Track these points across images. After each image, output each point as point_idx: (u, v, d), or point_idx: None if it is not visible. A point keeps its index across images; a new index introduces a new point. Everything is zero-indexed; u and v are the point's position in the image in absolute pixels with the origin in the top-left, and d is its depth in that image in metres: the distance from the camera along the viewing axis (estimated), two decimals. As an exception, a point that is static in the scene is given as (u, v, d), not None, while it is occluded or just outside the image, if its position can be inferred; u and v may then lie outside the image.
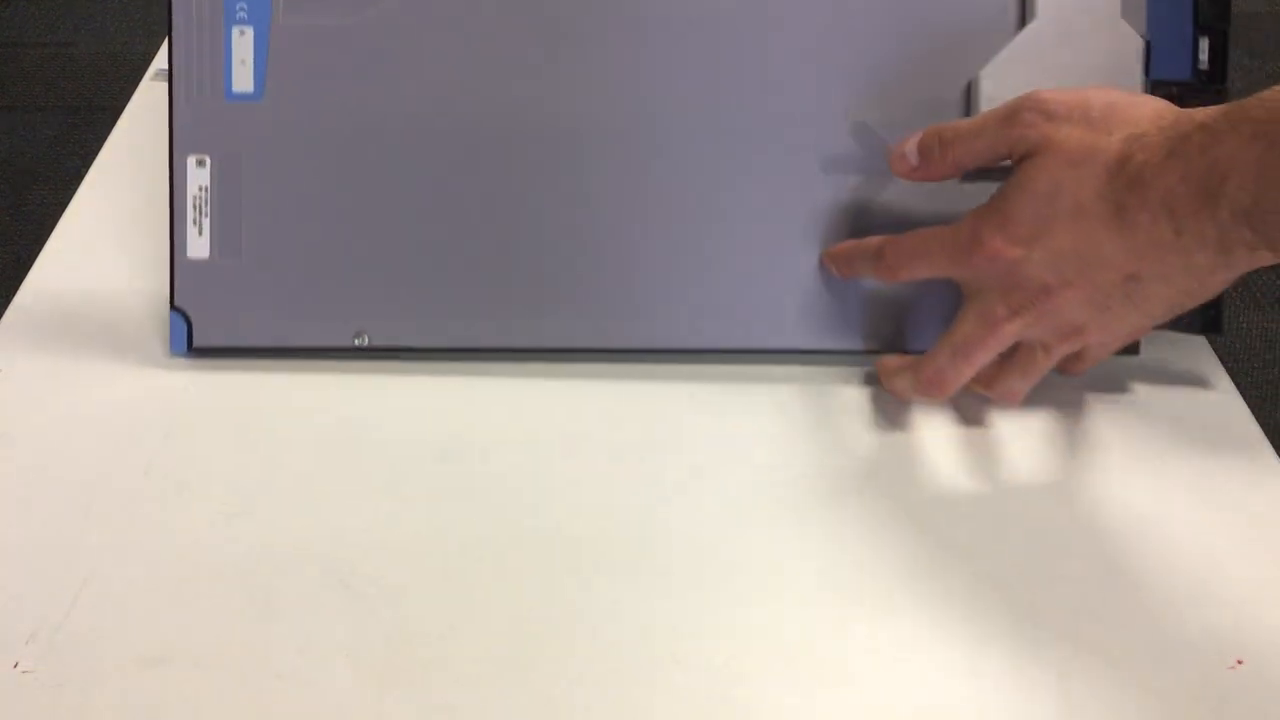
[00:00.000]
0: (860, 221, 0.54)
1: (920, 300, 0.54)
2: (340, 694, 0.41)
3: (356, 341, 0.54)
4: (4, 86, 2.06)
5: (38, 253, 0.60)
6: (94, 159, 0.67)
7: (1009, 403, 0.51)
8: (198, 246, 0.54)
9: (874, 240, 0.52)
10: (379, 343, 0.54)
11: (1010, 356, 0.50)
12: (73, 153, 1.89)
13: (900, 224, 0.53)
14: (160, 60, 0.75)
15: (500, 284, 0.54)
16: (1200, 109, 0.43)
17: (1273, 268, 0.44)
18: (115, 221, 0.62)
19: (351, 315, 0.54)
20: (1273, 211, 0.40)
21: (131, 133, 0.69)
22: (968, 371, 0.49)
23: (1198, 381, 0.54)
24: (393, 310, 0.54)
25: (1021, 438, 0.51)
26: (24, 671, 0.41)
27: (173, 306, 0.54)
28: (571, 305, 0.54)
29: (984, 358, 0.49)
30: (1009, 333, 0.48)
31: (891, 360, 0.53)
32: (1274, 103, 0.40)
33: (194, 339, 0.54)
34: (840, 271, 0.54)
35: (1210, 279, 0.45)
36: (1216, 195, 0.41)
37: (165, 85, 0.55)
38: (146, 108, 0.71)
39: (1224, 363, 0.55)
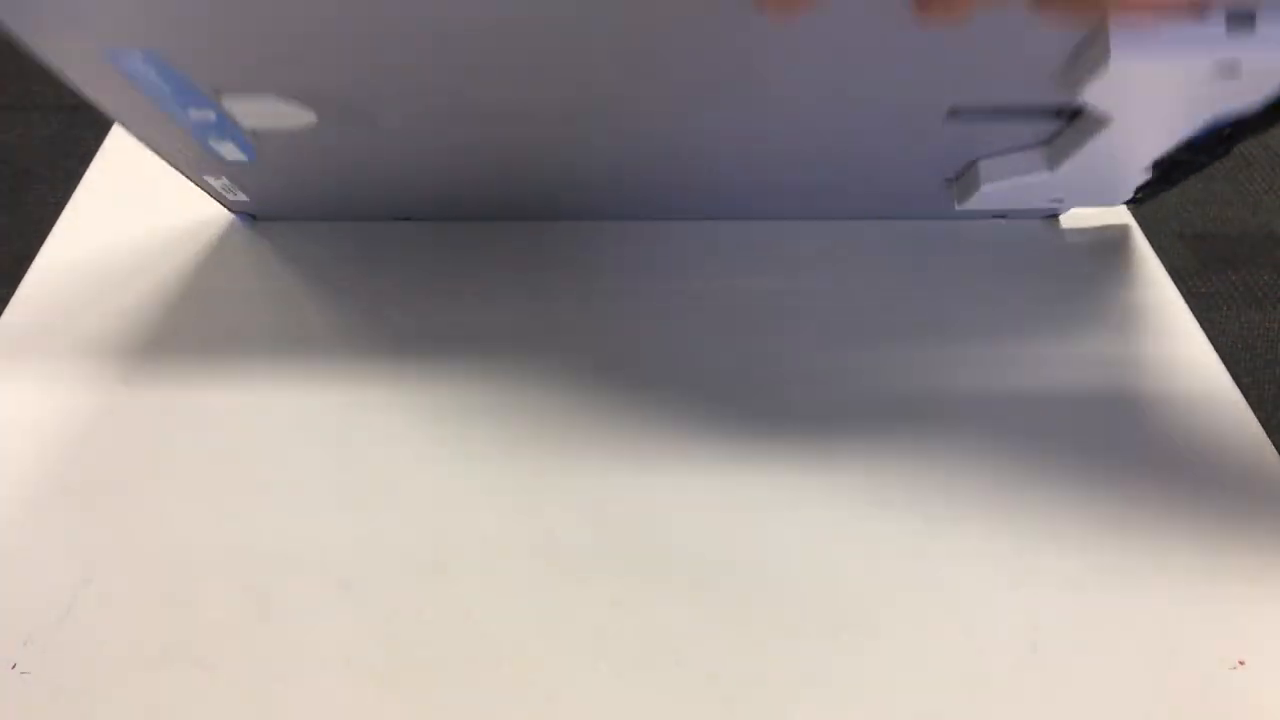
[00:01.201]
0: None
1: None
2: (339, 694, 0.41)
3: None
4: (3, 86, 2.06)
5: (36, 252, 0.60)
6: (93, 158, 0.67)
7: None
8: (237, 204, 0.60)
9: None
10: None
11: None
12: (71, 152, 1.89)
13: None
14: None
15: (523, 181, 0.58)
16: None
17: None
18: (114, 220, 0.62)
19: (396, 210, 0.61)
20: None
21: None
22: None
23: (1198, 381, 0.54)
24: (433, 204, 0.60)
25: (1019, 435, 0.51)
26: (22, 673, 0.41)
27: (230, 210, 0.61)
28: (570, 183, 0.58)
29: None
30: None
31: None
32: None
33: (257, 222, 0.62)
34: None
35: None
36: None
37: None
38: (145, 107, 0.71)
39: (1224, 363, 0.55)
